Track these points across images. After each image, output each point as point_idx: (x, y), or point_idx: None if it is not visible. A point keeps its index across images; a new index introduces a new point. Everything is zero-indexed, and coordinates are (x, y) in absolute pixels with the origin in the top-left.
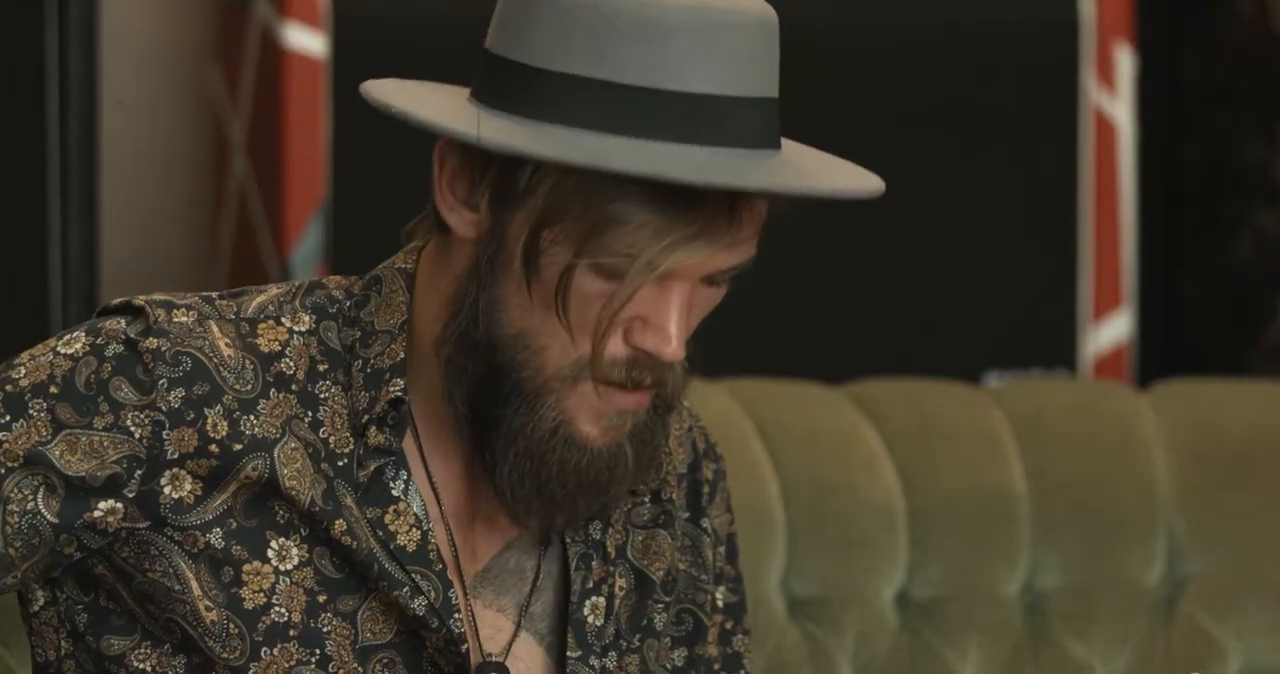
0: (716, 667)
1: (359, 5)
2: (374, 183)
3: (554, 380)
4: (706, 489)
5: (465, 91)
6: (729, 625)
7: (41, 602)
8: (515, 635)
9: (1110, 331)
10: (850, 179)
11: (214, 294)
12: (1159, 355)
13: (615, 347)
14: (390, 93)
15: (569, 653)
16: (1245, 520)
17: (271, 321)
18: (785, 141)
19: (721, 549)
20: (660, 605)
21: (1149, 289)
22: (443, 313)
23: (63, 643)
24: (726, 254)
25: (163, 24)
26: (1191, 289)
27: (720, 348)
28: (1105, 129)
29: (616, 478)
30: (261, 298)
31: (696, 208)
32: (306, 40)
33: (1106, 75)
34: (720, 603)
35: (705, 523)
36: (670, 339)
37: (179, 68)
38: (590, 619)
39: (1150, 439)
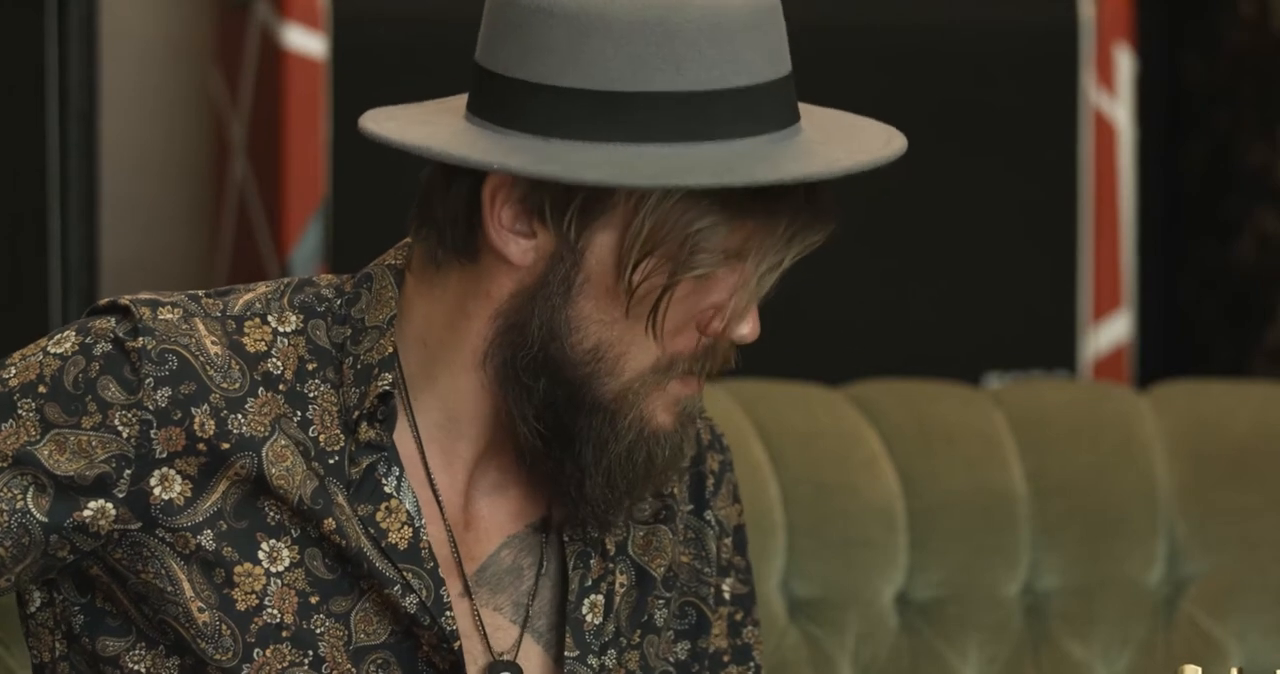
0: (726, 659)
1: (359, 5)
2: (374, 183)
3: (635, 384)
4: (711, 481)
5: (461, 110)
6: (739, 616)
7: (38, 603)
8: (521, 635)
9: (1110, 332)
10: (875, 132)
11: (200, 292)
12: (1159, 356)
13: (693, 339)
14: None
15: (567, 653)
16: (1245, 520)
17: (258, 319)
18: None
19: (728, 541)
20: (661, 602)
21: (1149, 289)
22: (486, 330)
23: (57, 644)
24: (820, 234)
25: (163, 24)
26: (1191, 289)
27: None
28: (1105, 129)
29: (683, 456)
30: (249, 295)
31: (780, 200)
32: (306, 41)
33: (1106, 76)
34: (728, 594)
35: (709, 515)
36: (756, 322)
37: (179, 68)
38: (589, 618)
39: (1150, 440)
